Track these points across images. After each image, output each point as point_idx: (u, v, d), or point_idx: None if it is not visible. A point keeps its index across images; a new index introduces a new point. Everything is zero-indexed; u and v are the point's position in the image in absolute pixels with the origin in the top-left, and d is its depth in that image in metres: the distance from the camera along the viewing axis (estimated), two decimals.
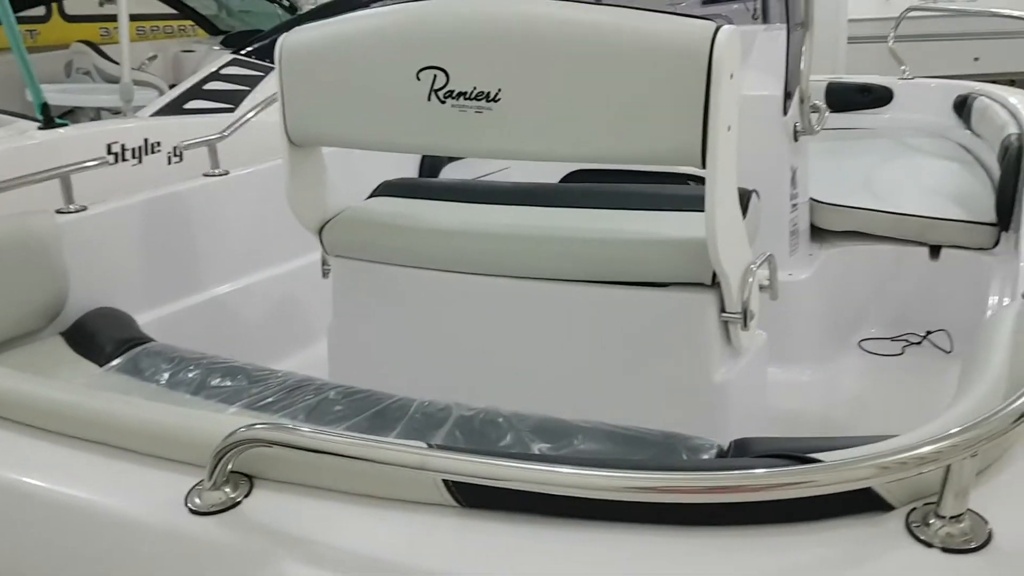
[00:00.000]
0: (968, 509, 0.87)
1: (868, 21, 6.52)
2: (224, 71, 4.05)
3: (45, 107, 3.36)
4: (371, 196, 2.19)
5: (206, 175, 2.52)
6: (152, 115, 3.76)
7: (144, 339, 1.93)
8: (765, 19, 3.13)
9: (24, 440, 1.20)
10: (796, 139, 2.73)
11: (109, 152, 3.36)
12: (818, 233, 2.96)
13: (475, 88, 1.62)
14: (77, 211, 2.13)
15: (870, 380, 2.71)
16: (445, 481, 0.97)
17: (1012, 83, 5.21)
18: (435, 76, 1.65)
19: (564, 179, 2.84)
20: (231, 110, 3.78)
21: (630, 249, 1.79)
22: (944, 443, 0.83)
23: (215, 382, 1.69)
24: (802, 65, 2.60)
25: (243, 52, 4.17)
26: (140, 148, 3.46)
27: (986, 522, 0.87)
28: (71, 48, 5.36)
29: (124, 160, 3.41)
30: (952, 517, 0.86)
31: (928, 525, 0.87)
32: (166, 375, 1.75)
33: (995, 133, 3.05)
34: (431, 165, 3.24)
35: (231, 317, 2.48)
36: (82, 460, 1.14)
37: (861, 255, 2.92)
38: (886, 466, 0.84)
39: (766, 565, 0.88)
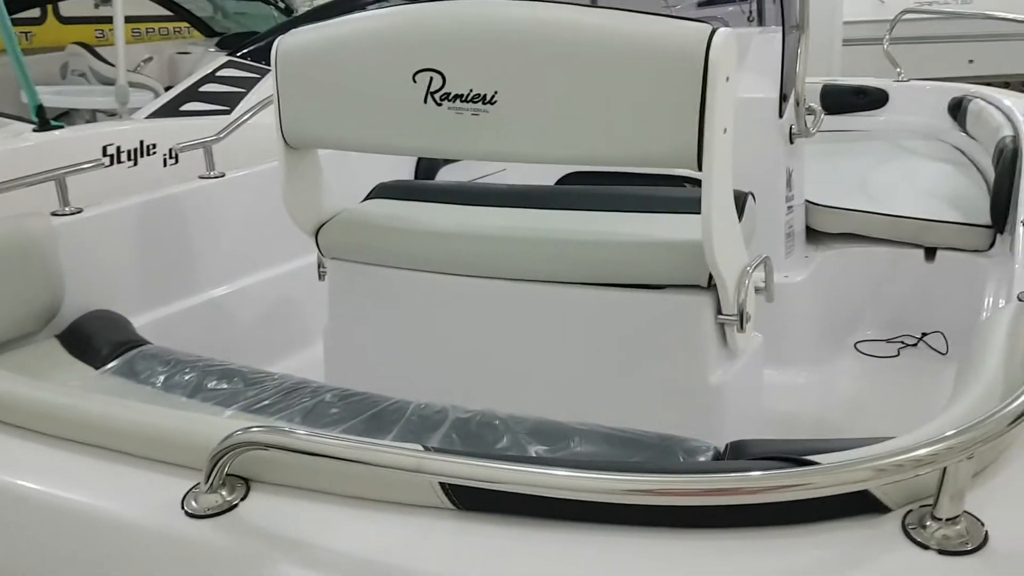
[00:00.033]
0: (964, 511, 0.87)
1: (863, 23, 6.54)
2: (220, 73, 4.04)
3: (40, 109, 3.35)
4: (367, 198, 2.19)
5: (202, 177, 2.52)
6: (148, 117, 3.76)
7: (140, 341, 1.93)
8: (761, 21, 3.14)
9: (19, 443, 1.19)
10: (792, 141, 2.73)
11: (105, 154, 3.35)
12: (814, 235, 2.96)
13: (471, 90, 1.62)
14: (73, 213, 2.13)
15: (866, 382, 2.71)
16: (442, 484, 0.97)
17: (1007, 85, 5.23)
18: (431, 78, 1.65)
19: (560, 181, 2.84)
20: (227, 112, 3.77)
21: (626, 251, 1.79)
22: (940, 445, 0.83)
23: (211, 385, 1.69)
24: (798, 67, 2.61)
25: (239, 54, 4.16)
26: (136, 150, 3.46)
27: (982, 524, 0.87)
28: (67, 50, 5.35)
29: (120, 162, 3.41)
30: (948, 519, 0.86)
31: (924, 527, 0.87)
32: (162, 378, 1.75)
33: (990, 135, 3.06)
34: (427, 167, 3.24)
35: (227, 319, 2.48)
36: (78, 463, 1.14)
37: (857, 257, 2.92)
38: (883, 468, 0.84)
39: (763, 567, 0.88)
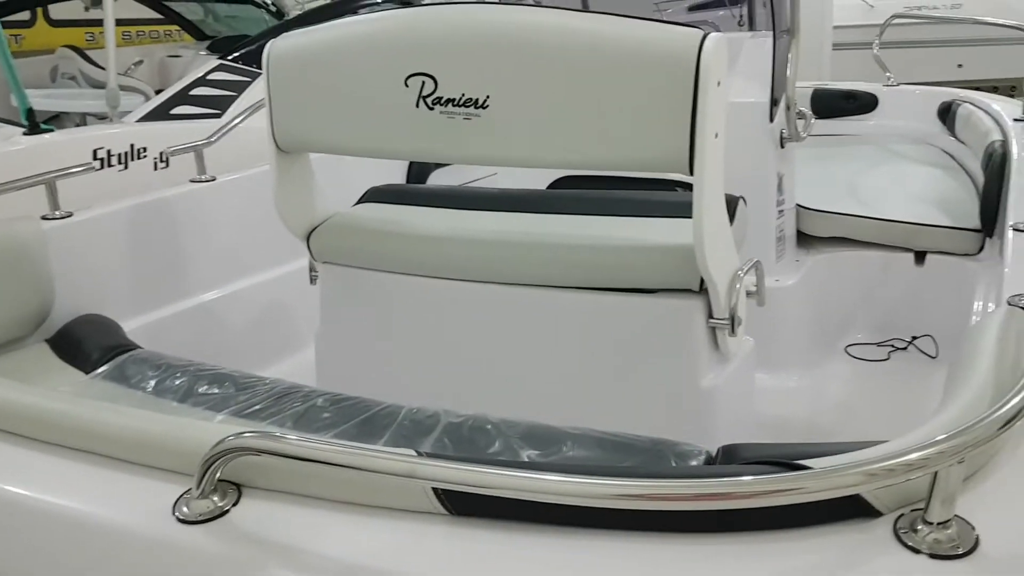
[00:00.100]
0: (955, 515, 0.87)
1: (853, 28, 6.57)
2: (210, 76, 4.04)
3: (30, 112, 3.35)
4: (359, 202, 2.18)
5: (193, 181, 2.51)
6: (138, 120, 3.75)
7: (130, 346, 1.92)
8: (751, 26, 3.15)
9: (9, 448, 1.19)
10: (782, 146, 2.74)
11: (95, 158, 3.34)
12: (804, 239, 2.97)
13: (463, 95, 1.63)
14: (63, 217, 2.12)
15: (856, 385, 2.72)
16: (435, 489, 0.97)
17: (995, 90, 5.26)
18: (423, 83, 1.65)
19: (552, 185, 2.84)
20: (218, 116, 3.77)
21: (618, 255, 1.80)
22: (931, 450, 0.84)
23: (202, 389, 1.68)
24: (788, 72, 2.62)
25: (230, 57, 4.16)
26: (126, 154, 3.45)
27: (973, 528, 0.87)
28: (56, 53, 5.33)
29: (110, 166, 3.40)
30: (939, 523, 0.87)
31: (916, 531, 0.88)
32: (153, 382, 1.74)
33: (979, 140, 3.08)
34: (419, 171, 3.24)
35: (218, 324, 2.47)
36: (68, 469, 1.14)
37: (847, 261, 2.93)
38: (874, 473, 0.84)
39: (754, 572, 0.88)
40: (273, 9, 5.89)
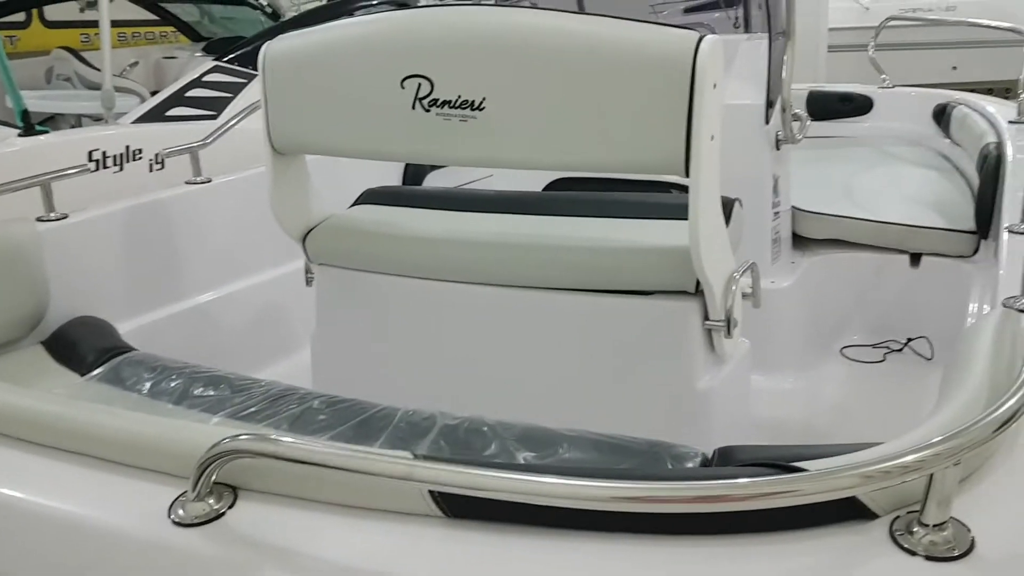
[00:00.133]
0: (951, 517, 0.88)
1: (848, 30, 6.58)
2: (206, 78, 4.03)
3: (25, 114, 3.34)
4: (354, 204, 2.18)
5: (188, 182, 2.51)
6: (134, 122, 3.74)
7: (126, 348, 1.91)
8: (747, 28, 3.15)
9: (3, 451, 1.19)
10: (778, 148, 2.74)
11: (90, 159, 3.33)
12: (800, 241, 2.98)
13: (459, 97, 1.63)
14: (58, 219, 2.12)
15: (852, 387, 2.72)
16: (431, 492, 0.97)
17: (990, 91, 5.26)
18: (419, 84, 1.65)
19: (548, 187, 2.84)
20: (213, 117, 3.76)
21: (614, 257, 1.80)
22: (927, 452, 0.84)
23: (198, 391, 1.68)
24: (784, 74, 2.62)
25: (225, 59, 4.15)
26: (121, 155, 3.44)
27: (969, 530, 0.88)
28: (52, 54, 5.32)
29: (105, 167, 3.39)
30: (935, 525, 0.87)
31: (912, 533, 0.88)
32: (148, 384, 1.74)
33: (974, 142, 3.08)
34: (415, 173, 3.24)
35: (214, 325, 2.47)
36: (63, 471, 1.13)
37: (842, 263, 2.94)
38: (870, 475, 0.84)
39: (751, 574, 0.88)
40: (269, 11, 5.89)
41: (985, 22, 4.57)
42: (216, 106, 3.87)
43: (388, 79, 1.67)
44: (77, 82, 5.08)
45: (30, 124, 3.33)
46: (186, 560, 0.98)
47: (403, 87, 1.66)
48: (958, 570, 0.84)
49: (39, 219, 2.10)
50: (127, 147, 3.46)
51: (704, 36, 1.50)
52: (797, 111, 2.71)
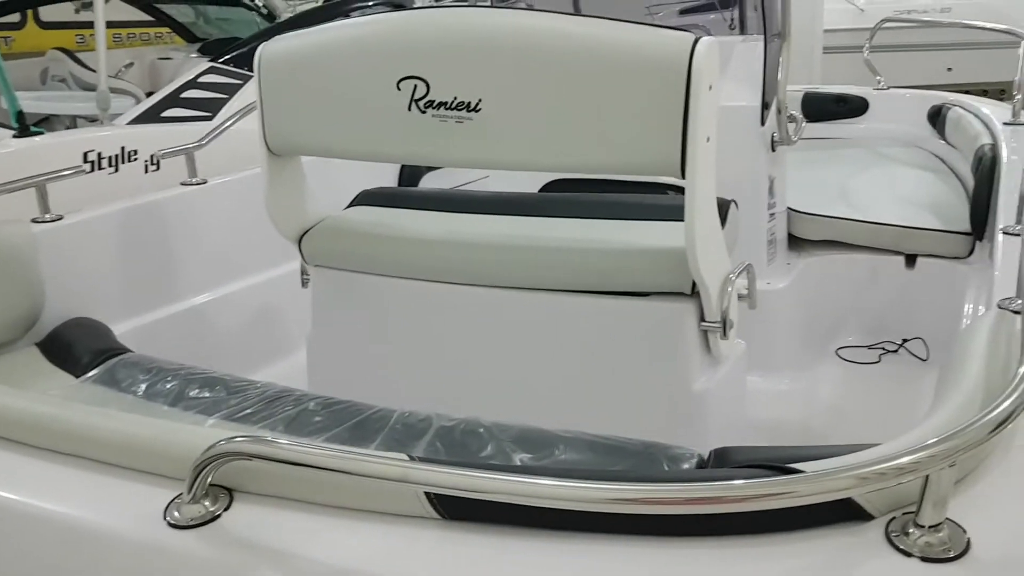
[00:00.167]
0: (947, 518, 0.88)
1: (843, 32, 6.60)
2: (202, 79, 4.03)
3: (20, 115, 3.33)
4: (350, 205, 2.18)
5: (184, 184, 2.51)
6: (129, 123, 3.73)
7: (121, 349, 1.91)
8: (743, 30, 3.16)
9: None
10: (774, 149, 2.75)
11: (85, 160, 3.33)
12: (795, 242, 2.98)
13: (455, 98, 1.63)
14: (53, 220, 2.12)
15: (848, 388, 2.73)
16: (427, 494, 0.97)
17: (985, 93, 5.27)
18: (415, 86, 1.65)
19: (543, 188, 2.84)
20: (209, 118, 3.76)
21: (610, 259, 1.80)
22: (923, 453, 0.84)
23: (193, 393, 1.67)
24: (779, 75, 2.63)
25: (221, 60, 4.15)
26: (117, 156, 3.44)
27: (964, 531, 0.88)
28: (47, 55, 5.31)
29: (100, 169, 3.38)
30: (931, 526, 0.87)
31: (907, 534, 0.88)
32: (143, 386, 1.73)
33: (969, 143, 3.09)
34: (410, 174, 3.23)
35: (209, 327, 2.46)
36: (58, 473, 1.13)
37: (838, 264, 2.94)
38: (866, 477, 0.84)
39: (746, 575, 0.88)
40: (264, 12, 5.88)
41: (980, 24, 4.59)
42: (212, 107, 3.87)
43: (384, 80, 1.67)
44: (72, 83, 5.07)
45: (25, 125, 3.33)
46: (182, 562, 0.98)
47: (399, 88, 1.66)
48: (954, 571, 0.84)
49: (34, 220, 2.10)
50: (122, 148, 3.46)
51: (700, 38, 1.50)
52: (792, 112, 2.72)
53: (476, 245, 1.89)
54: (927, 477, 0.86)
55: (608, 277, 1.79)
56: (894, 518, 0.91)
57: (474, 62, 1.61)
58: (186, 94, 3.94)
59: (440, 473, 0.92)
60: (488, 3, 3.48)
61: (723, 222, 1.78)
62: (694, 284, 1.70)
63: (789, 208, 2.94)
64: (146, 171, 3.51)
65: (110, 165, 3.42)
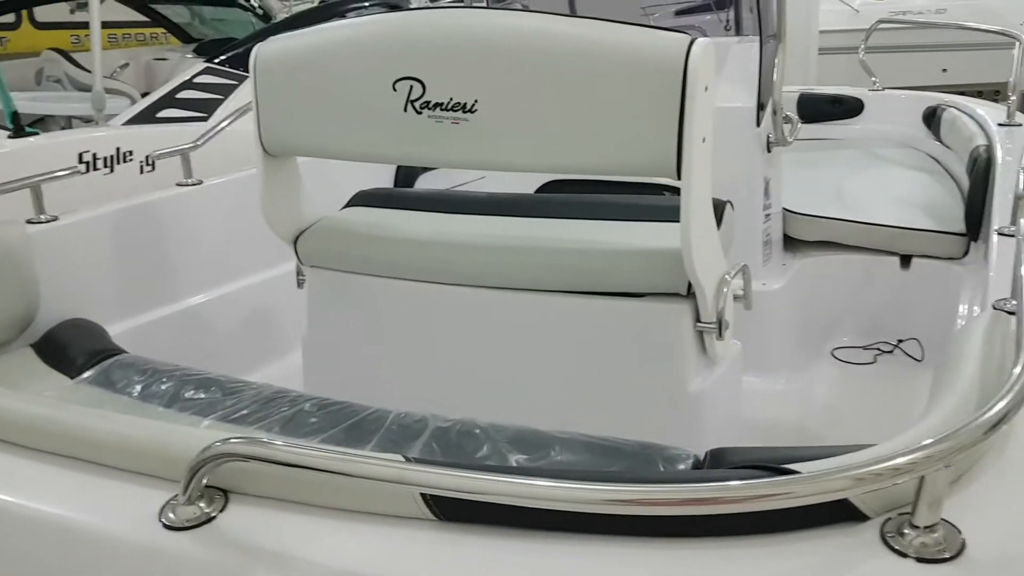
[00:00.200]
0: (942, 519, 0.88)
1: (839, 32, 6.60)
2: (197, 80, 4.02)
3: (15, 115, 3.32)
4: (346, 206, 2.18)
5: (179, 184, 2.50)
6: (124, 124, 3.73)
7: (116, 350, 1.91)
8: (738, 31, 3.16)
9: None
10: (769, 150, 2.75)
11: (81, 161, 3.32)
12: (791, 243, 2.99)
13: (451, 99, 1.63)
14: (48, 221, 2.11)
15: (843, 388, 2.73)
16: (423, 495, 0.97)
17: (980, 94, 5.29)
18: (411, 87, 1.65)
19: (540, 189, 2.84)
20: (204, 119, 3.75)
21: (606, 259, 1.80)
22: (918, 454, 0.84)
23: (188, 394, 1.67)
24: (775, 76, 2.63)
25: (216, 60, 4.14)
26: (112, 157, 3.43)
27: (959, 532, 0.88)
28: (42, 56, 5.30)
29: (96, 169, 3.38)
30: (926, 527, 0.87)
31: (903, 535, 0.88)
32: (138, 387, 1.73)
33: (964, 144, 3.10)
34: (406, 175, 3.23)
35: (204, 328, 2.46)
36: (53, 475, 1.13)
37: (833, 265, 2.95)
38: (861, 477, 0.84)
39: None
40: (260, 12, 5.88)
41: (975, 25, 4.60)
42: (207, 108, 3.86)
43: (380, 81, 1.67)
44: (67, 84, 5.06)
45: (20, 126, 3.32)
46: (177, 564, 0.98)
47: (395, 89, 1.66)
48: (949, 572, 0.84)
49: (29, 221, 2.10)
50: (117, 149, 3.45)
51: (695, 39, 1.51)
52: (788, 113, 2.72)
53: (472, 246, 1.89)
54: (922, 478, 0.86)
55: (604, 278, 1.79)
56: (889, 519, 0.91)
57: (470, 63, 1.61)
58: (181, 95, 3.93)
59: (436, 474, 0.92)
60: (484, 4, 3.49)
61: (719, 223, 1.78)
62: (690, 285, 1.70)
63: (785, 209, 2.95)
64: (141, 172, 3.50)
65: (105, 166, 3.41)
